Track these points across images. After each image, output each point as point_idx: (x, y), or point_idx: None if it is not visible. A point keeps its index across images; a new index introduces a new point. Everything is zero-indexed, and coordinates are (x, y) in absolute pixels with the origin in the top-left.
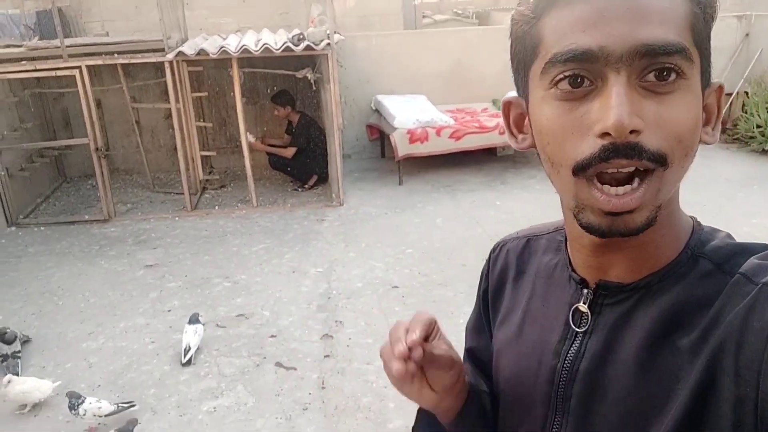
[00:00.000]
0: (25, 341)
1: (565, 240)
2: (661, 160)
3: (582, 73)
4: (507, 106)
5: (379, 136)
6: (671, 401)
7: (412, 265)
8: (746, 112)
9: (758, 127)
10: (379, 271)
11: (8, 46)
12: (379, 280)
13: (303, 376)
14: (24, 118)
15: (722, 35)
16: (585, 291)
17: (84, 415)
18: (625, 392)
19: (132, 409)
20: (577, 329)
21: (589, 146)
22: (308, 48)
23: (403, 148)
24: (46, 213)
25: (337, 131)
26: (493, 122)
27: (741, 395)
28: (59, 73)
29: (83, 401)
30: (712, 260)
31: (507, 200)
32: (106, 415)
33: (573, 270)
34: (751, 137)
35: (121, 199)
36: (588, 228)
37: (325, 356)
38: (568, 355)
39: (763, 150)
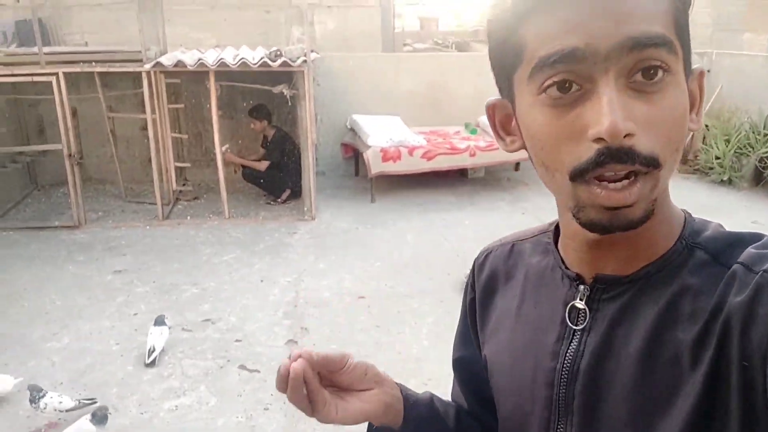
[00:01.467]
0: None
1: (554, 241)
2: (653, 163)
3: (570, 77)
4: (492, 109)
5: (353, 154)
6: (678, 393)
7: (379, 277)
8: (706, 144)
9: (717, 158)
10: (347, 282)
11: None
12: (347, 290)
13: (266, 378)
14: None
15: None
16: (581, 287)
17: (45, 408)
18: (630, 387)
19: (93, 406)
20: (574, 327)
21: (585, 151)
22: (285, 64)
23: (376, 165)
24: (15, 218)
25: (311, 146)
26: (464, 144)
27: (748, 381)
28: (36, 79)
29: (44, 395)
30: (707, 251)
31: (476, 219)
32: (66, 410)
33: (566, 268)
34: (710, 168)
35: (93, 208)
36: (589, 225)
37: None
38: (567, 354)
39: (722, 180)
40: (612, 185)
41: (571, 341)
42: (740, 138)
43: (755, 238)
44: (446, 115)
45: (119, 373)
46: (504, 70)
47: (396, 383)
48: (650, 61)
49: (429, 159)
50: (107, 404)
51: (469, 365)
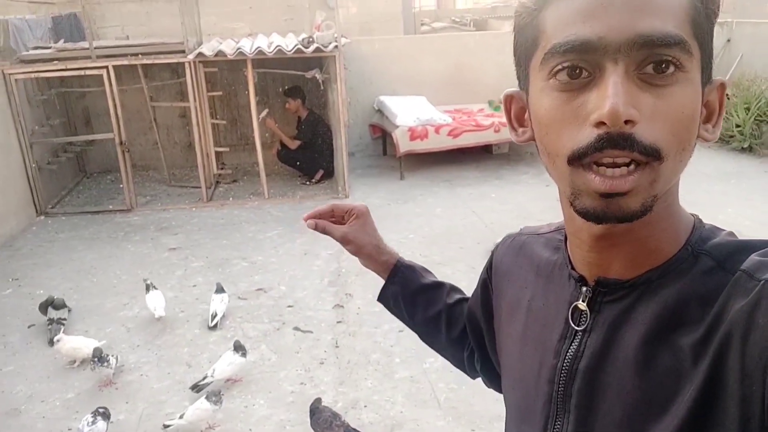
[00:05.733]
0: (69, 310)
1: (565, 239)
2: (654, 154)
3: (580, 64)
4: (508, 100)
5: (381, 134)
6: (674, 400)
7: (414, 248)
8: (726, 113)
9: (737, 126)
10: None
11: (37, 48)
12: None
13: (318, 338)
14: (50, 116)
15: None
16: (584, 289)
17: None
18: (626, 391)
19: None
20: (576, 328)
21: (585, 136)
22: (318, 50)
23: (404, 144)
24: (71, 204)
25: (343, 128)
26: (488, 121)
27: (747, 393)
28: (88, 72)
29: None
30: (713, 257)
31: (502, 193)
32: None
33: (572, 268)
34: (731, 136)
35: (140, 192)
36: (584, 212)
37: (337, 322)
38: (568, 354)
39: (742, 148)
40: (609, 171)
41: (572, 341)
42: (760, 106)
43: (765, 245)
44: (470, 94)
45: (188, 336)
46: (522, 56)
47: (394, 266)
48: (661, 56)
49: (455, 136)
50: (182, 361)
51: (473, 315)
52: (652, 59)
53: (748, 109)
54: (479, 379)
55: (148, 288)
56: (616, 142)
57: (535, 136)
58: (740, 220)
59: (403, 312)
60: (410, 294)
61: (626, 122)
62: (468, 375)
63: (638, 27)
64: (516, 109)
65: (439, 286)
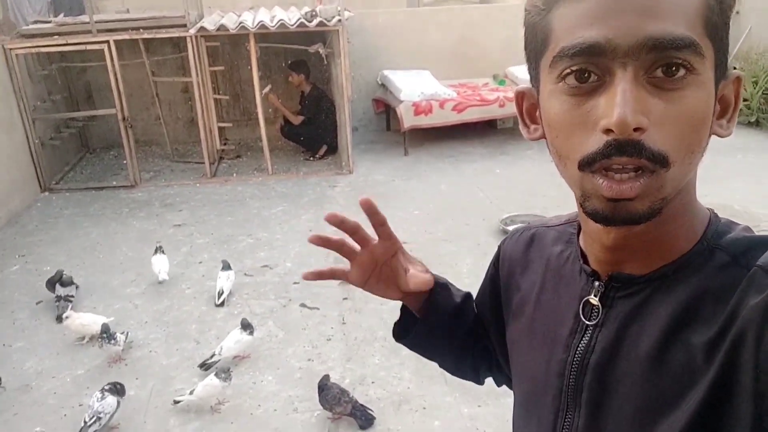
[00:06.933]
0: (76, 287)
1: (577, 232)
2: (661, 161)
3: (589, 68)
4: (520, 97)
5: (384, 109)
6: (686, 397)
7: (419, 224)
8: None
9: (745, 100)
10: None
11: (36, 22)
12: None
13: (325, 314)
14: (51, 91)
15: None
16: (596, 283)
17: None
18: (637, 386)
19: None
20: (587, 322)
21: (594, 142)
22: (321, 24)
23: (408, 119)
24: (74, 180)
25: (347, 103)
26: (493, 96)
27: (761, 390)
28: (89, 47)
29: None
30: (728, 252)
31: (507, 168)
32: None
33: (585, 262)
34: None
35: (144, 168)
36: (593, 215)
37: (343, 298)
38: (578, 348)
39: (749, 122)
40: (617, 176)
41: (583, 336)
42: None
43: None
44: (474, 68)
45: (195, 313)
46: (532, 55)
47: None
48: (671, 59)
49: (459, 111)
50: (190, 337)
51: (481, 313)
52: (662, 62)
53: (756, 82)
54: None
55: (156, 251)
56: (624, 149)
57: (546, 136)
58: (746, 195)
59: (434, 344)
60: (447, 320)
61: (635, 129)
62: (475, 381)
63: (647, 29)
64: (528, 106)
65: (468, 297)
